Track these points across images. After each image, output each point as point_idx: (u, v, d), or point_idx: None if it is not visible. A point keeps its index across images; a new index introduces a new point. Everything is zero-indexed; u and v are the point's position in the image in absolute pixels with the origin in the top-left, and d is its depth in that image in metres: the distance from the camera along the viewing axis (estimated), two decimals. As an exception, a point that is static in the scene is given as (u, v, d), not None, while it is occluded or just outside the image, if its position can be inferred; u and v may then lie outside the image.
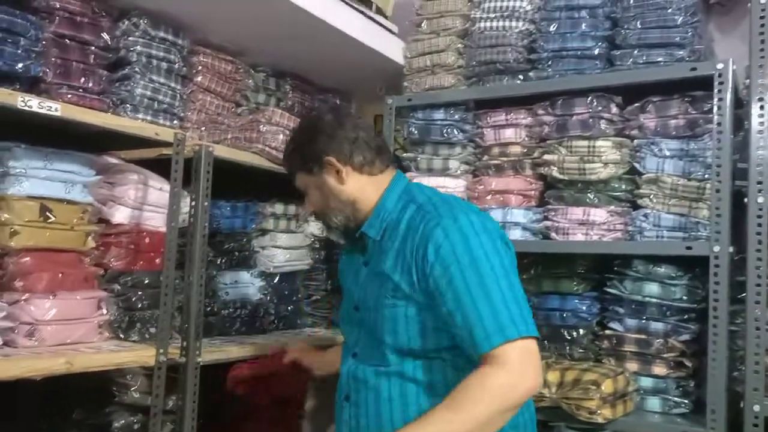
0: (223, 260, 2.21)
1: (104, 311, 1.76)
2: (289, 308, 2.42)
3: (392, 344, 1.36)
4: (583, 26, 2.07)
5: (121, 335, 1.78)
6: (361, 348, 1.45)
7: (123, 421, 1.83)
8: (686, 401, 1.84)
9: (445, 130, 2.24)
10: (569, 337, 2.00)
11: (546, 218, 2.08)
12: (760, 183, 1.67)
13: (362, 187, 1.45)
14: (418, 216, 1.36)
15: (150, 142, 1.84)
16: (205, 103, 2.20)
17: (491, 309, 1.21)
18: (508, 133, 2.18)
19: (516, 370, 1.19)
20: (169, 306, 1.72)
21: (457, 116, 2.24)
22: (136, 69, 1.92)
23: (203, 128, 2.18)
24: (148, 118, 1.95)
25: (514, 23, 2.19)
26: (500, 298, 1.22)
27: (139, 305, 1.80)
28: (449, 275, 1.25)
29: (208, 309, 2.06)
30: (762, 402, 1.62)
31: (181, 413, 1.73)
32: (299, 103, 2.59)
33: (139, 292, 1.80)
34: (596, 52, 2.04)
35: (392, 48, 2.42)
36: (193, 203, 1.81)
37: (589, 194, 2.01)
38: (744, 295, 1.69)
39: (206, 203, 1.83)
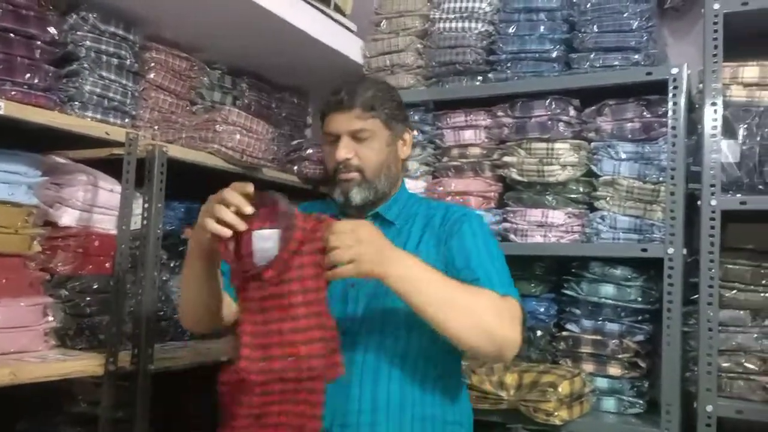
0: (177, 263, 2.14)
1: (50, 318, 1.68)
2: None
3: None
4: (542, 29, 2.08)
5: (69, 343, 1.71)
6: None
7: (72, 432, 1.77)
8: (641, 401, 1.87)
9: (404, 131, 2.22)
10: (527, 339, 2.01)
11: (505, 220, 2.08)
12: (713, 186, 1.70)
13: (400, 172, 1.52)
14: (439, 208, 1.46)
15: (100, 142, 1.77)
16: (158, 101, 2.13)
17: (499, 272, 1.32)
18: (468, 135, 2.18)
19: None
20: (119, 312, 1.66)
21: (416, 117, 2.23)
22: (85, 65, 1.85)
23: (156, 127, 2.11)
24: (98, 116, 1.87)
25: (473, 24, 2.19)
26: (507, 274, 1.34)
27: (88, 311, 1.72)
28: (471, 237, 1.36)
29: (161, 314, 2.00)
30: (715, 402, 1.65)
31: (132, 424, 1.67)
32: (256, 101, 2.53)
33: (88, 298, 1.73)
34: (554, 54, 2.06)
35: (351, 47, 2.39)
36: (146, 205, 1.75)
37: (547, 196, 2.02)
38: (697, 296, 1.72)
39: (160, 205, 1.77)
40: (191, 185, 2.09)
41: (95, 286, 1.75)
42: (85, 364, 1.60)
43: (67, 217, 1.76)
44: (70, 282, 1.74)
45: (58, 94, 1.79)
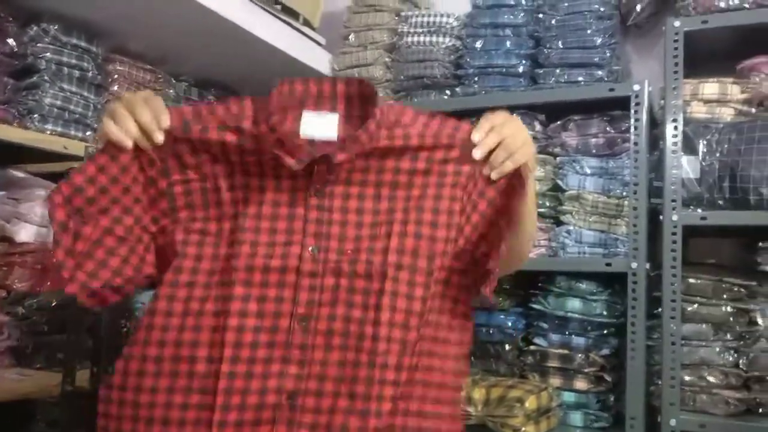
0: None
1: (6, 336, 1.64)
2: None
3: None
4: (508, 44, 2.09)
5: (26, 362, 1.67)
6: None
7: (28, 453, 1.72)
8: (606, 415, 1.88)
9: (372, 145, 2.21)
10: (495, 353, 2.01)
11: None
12: (674, 201, 1.73)
13: None
14: None
15: (59, 156, 1.74)
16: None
17: None
18: (435, 149, 2.18)
19: None
20: (77, 330, 1.62)
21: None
22: (45, 77, 1.81)
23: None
24: (59, 129, 1.84)
25: (440, 39, 2.19)
26: None
27: (46, 329, 1.69)
28: None
29: (124, 330, 1.96)
30: (678, 416, 1.66)
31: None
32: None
33: (45, 316, 1.69)
34: (520, 69, 2.07)
35: (319, 60, 2.39)
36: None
37: (514, 210, 2.03)
38: (660, 310, 1.73)
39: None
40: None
41: (53, 304, 1.72)
42: (41, 384, 1.57)
43: (25, 233, 1.72)
44: (27, 299, 1.71)
45: (17, 107, 1.76)
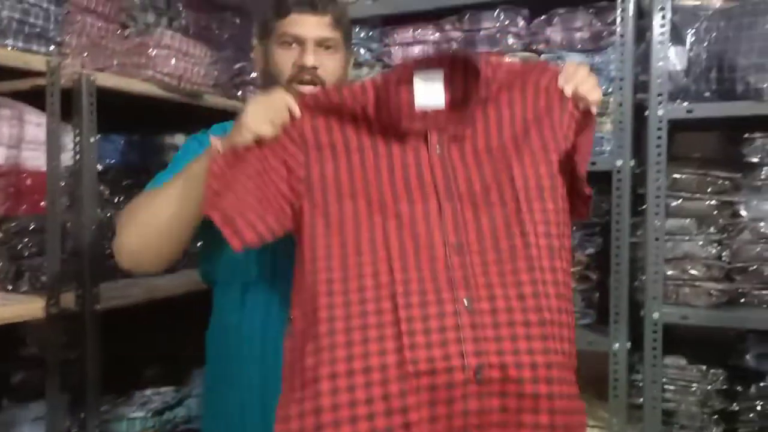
0: (122, 198, 2.07)
1: (-14, 261, 1.63)
2: (199, 243, 2.32)
3: None
4: (488, -66, 1.97)
5: (9, 287, 1.66)
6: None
7: (21, 376, 1.74)
8: (591, 311, 1.91)
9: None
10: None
11: (456, 138, 2.04)
12: (660, 95, 1.68)
13: None
14: None
15: (23, 72, 1.66)
16: (85, 25, 1.99)
17: None
18: (416, 52, 2.10)
19: None
20: (56, 252, 1.61)
21: (362, 34, 2.13)
22: (0, -11, 1.71)
23: (86, 54, 1.98)
24: (20, 44, 1.74)
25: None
26: None
27: (27, 253, 1.67)
28: None
29: (108, 251, 1.94)
30: (660, 309, 1.69)
31: (82, 365, 1.65)
32: (194, 23, 2.39)
33: (25, 239, 1.67)
34: (502, -38, 1.96)
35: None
36: (77, 138, 1.66)
37: (497, 112, 1.98)
38: (644, 207, 1.72)
39: (92, 138, 1.69)
40: (132, 117, 2.01)
41: (32, 227, 1.69)
42: (26, 308, 1.56)
43: (-7, 156, 1.67)
44: (5, 223, 1.68)
45: (-28, 23, 1.66)
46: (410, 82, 1.06)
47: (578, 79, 1.07)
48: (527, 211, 0.99)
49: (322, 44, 1.26)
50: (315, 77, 1.26)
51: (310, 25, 1.25)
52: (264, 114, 1.04)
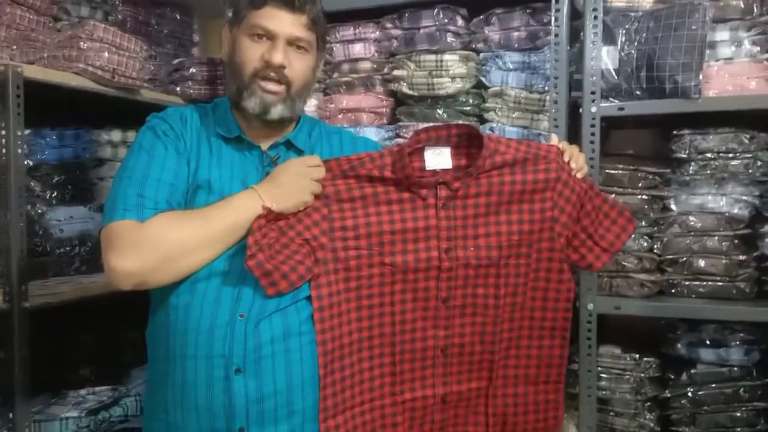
0: (54, 194, 2.01)
1: None
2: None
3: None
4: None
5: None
6: (251, 302, 1.20)
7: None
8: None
9: (292, 46, 2.12)
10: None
11: (398, 135, 2.05)
12: (593, 93, 1.73)
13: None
14: (333, 133, 1.43)
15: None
16: (14, 17, 1.93)
17: None
18: (357, 49, 2.10)
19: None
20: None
21: (304, 31, 2.12)
22: None
23: (15, 47, 1.92)
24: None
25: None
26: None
27: (-49, 251, 1.60)
28: None
29: (39, 249, 1.88)
30: (595, 300, 1.73)
31: (11, 364, 1.59)
32: (132, 17, 2.34)
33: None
34: (441, -39, 1.99)
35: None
36: (3, 132, 1.60)
37: (438, 110, 2.00)
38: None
39: (20, 132, 1.63)
40: (69, 112, 1.95)
41: (-45, 225, 1.62)
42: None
43: None
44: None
45: None
46: (421, 151, 1.31)
47: (572, 150, 1.35)
48: (504, 276, 1.34)
49: (293, 43, 1.25)
50: (281, 76, 1.24)
51: (285, 22, 1.23)
52: (309, 186, 1.21)
